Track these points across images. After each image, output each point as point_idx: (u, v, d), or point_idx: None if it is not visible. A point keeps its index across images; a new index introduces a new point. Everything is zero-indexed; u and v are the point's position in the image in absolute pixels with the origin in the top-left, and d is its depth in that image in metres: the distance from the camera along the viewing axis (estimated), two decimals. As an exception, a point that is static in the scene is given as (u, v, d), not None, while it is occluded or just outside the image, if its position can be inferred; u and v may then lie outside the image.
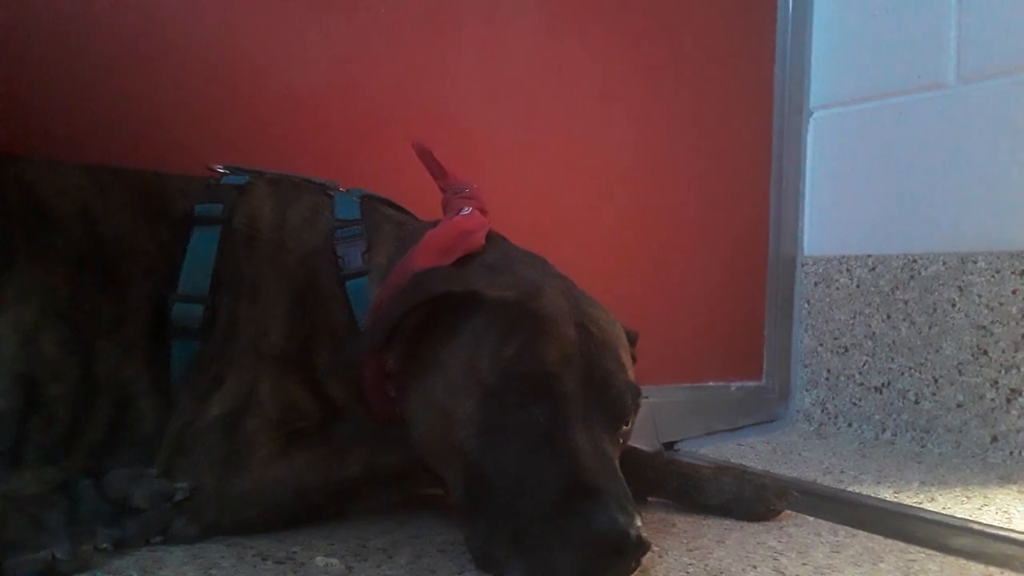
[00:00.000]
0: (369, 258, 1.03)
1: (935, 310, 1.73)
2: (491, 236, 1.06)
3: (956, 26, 1.74)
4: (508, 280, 0.92)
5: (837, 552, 0.99)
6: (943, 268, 1.73)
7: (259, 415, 0.93)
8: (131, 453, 0.93)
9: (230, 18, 1.26)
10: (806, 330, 1.99)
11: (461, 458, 0.84)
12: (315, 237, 1.04)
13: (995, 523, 1.15)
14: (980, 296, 1.66)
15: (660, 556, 0.92)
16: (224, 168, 1.11)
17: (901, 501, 1.25)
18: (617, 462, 0.83)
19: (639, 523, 0.73)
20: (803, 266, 2.01)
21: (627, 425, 0.88)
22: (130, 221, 0.99)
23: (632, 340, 0.99)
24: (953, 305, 1.70)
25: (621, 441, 0.88)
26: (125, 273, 0.97)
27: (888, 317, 1.82)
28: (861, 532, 1.08)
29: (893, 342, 1.80)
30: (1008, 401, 1.60)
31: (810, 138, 2.02)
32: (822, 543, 1.02)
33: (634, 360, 0.97)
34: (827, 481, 1.38)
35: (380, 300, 0.96)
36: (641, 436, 1.43)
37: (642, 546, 0.73)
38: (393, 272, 0.97)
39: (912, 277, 1.78)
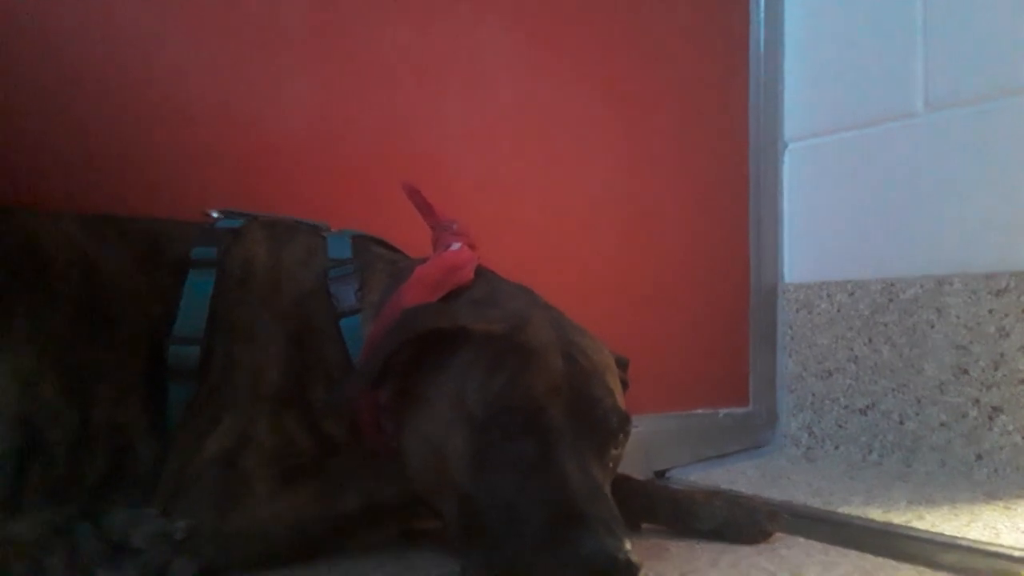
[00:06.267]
0: (363, 296, 1.04)
1: (915, 332, 1.76)
2: (480, 271, 1.08)
3: (923, 57, 1.80)
4: (495, 314, 0.93)
5: (828, 572, 1.00)
6: (921, 291, 1.76)
7: (256, 452, 0.94)
8: (129, 495, 0.93)
9: (218, 72, 1.28)
10: (790, 356, 2.01)
11: (454, 491, 0.85)
12: (309, 277, 1.06)
13: (983, 539, 1.17)
14: (958, 317, 1.69)
15: (656, 580, 0.93)
16: (219, 212, 1.13)
17: (890, 520, 1.27)
18: (608, 488, 0.85)
19: (629, 547, 0.74)
20: (784, 293, 2.04)
21: (616, 450, 0.89)
22: (127, 267, 1.01)
23: (623, 366, 1.01)
24: (932, 327, 1.73)
25: (611, 466, 0.89)
26: (122, 318, 0.98)
27: (869, 340, 1.85)
28: (852, 551, 1.10)
29: (875, 365, 1.83)
30: (990, 419, 1.62)
31: (786, 169, 2.07)
32: (813, 563, 1.04)
33: (626, 386, 0.98)
34: (816, 503, 1.39)
35: (373, 337, 0.97)
36: (632, 465, 1.44)
37: (632, 569, 0.73)
38: (385, 309, 0.99)
39: (891, 301, 1.81)
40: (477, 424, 0.84)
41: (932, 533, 1.20)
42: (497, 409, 0.83)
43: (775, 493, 1.49)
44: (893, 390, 1.79)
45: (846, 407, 1.88)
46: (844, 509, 1.34)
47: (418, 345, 0.89)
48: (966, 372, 1.67)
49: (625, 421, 0.89)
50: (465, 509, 0.84)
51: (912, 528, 1.23)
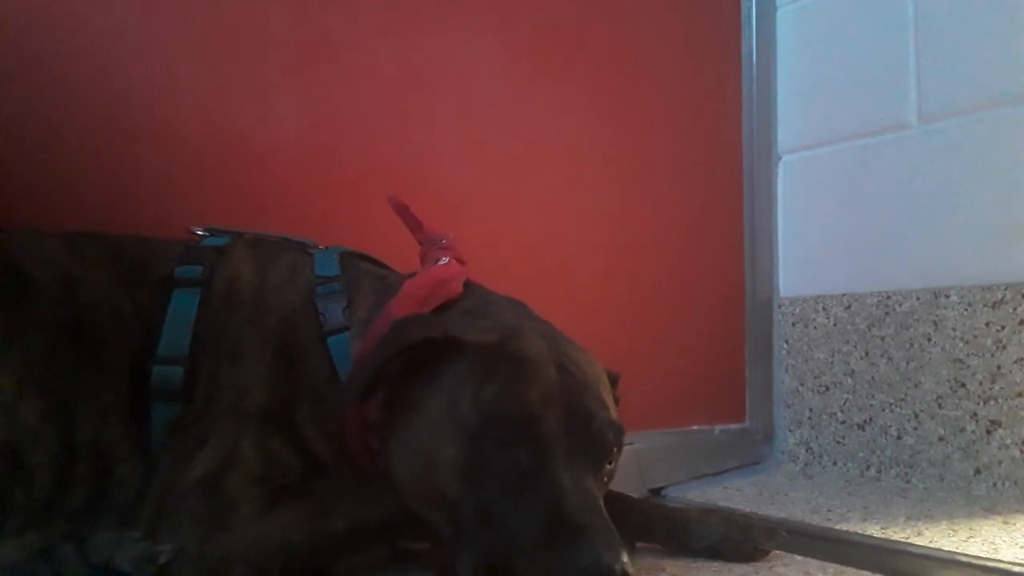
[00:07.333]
0: (350, 313, 1.03)
1: (911, 345, 1.75)
2: (469, 284, 1.06)
3: (916, 69, 1.80)
4: (486, 324, 0.92)
5: (826, 589, 0.99)
6: (917, 304, 1.75)
7: (242, 474, 0.92)
8: (113, 517, 0.92)
9: (205, 86, 1.28)
10: (786, 370, 2.00)
11: (445, 501, 0.84)
12: (295, 295, 1.05)
13: (982, 554, 1.15)
14: (954, 330, 1.68)
15: (650, 600, 0.92)
16: (203, 230, 1.12)
17: (888, 537, 1.26)
18: (601, 500, 0.83)
19: (626, 559, 0.73)
20: (780, 307, 2.03)
21: (610, 464, 0.88)
22: (110, 286, 1.00)
23: (614, 381, 0.99)
24: (929, 340, 1.72)
25: (605, 480, 0.88)
26: (105, 338, 0.96)
27: (866, 354, 1.83)
28: (850, 569, 1.09)
29: (872, 379, 1.82)
30: (988, 433, 1.61)
31: (780, 182, 2.06)
32: (811, 581, 1.02)
33: (617, 401, 0.97)
34: (814, 520, 1.38)
35: (362, 353, 0.96)
36: (627, 482, 1.43)
37: None
38: (373, 324, 0.98)
39: (887, 314, 1.80)
40: (470, 433, 0.83)
41: (931, 549, 1.19)
42: (490, 417, 0.82)
43: (773, 510, 1.47)
44: (891, 404, 1.78)
45: (843, 422, 1.87)
46: (842, 526, 1.33)
47: (409, 356, 0.88)
48: (963, 385, 1.66)
49: (620, 435, 0.88)
50: (457, 520, 0.83)
51: (911, 544, 1.22)
